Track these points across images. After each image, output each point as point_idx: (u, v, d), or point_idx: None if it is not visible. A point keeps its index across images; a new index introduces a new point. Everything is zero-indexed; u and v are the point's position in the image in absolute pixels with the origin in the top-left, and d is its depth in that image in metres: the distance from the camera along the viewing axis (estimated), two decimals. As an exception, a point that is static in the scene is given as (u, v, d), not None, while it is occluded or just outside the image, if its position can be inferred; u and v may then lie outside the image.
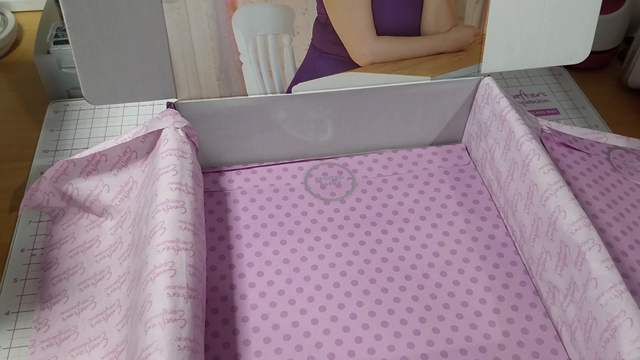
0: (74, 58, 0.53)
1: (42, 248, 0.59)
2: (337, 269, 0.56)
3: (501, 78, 0.83)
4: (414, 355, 0.50)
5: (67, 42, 0.71)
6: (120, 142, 0.56)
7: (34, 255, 0.59)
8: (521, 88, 0.82)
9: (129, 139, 0.55)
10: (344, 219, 0.60)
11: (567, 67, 0.85)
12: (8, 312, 0.54)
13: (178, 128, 0.55)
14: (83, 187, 0.57)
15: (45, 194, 0.56)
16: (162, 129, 0.55)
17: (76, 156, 0.56)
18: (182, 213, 0.48)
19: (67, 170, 0.56)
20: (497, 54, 0.62)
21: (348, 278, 0.55)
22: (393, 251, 0.57)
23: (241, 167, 0.64)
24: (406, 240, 0.58)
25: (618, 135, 0.68)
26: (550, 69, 0.85)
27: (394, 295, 0.54)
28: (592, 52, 0.83)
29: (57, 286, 0.54)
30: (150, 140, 0.56)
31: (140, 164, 0.57)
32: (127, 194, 0.56)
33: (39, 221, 0.62)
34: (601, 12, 0.80)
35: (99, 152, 0.56)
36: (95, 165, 0.57)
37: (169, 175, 0.51)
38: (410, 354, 0.50)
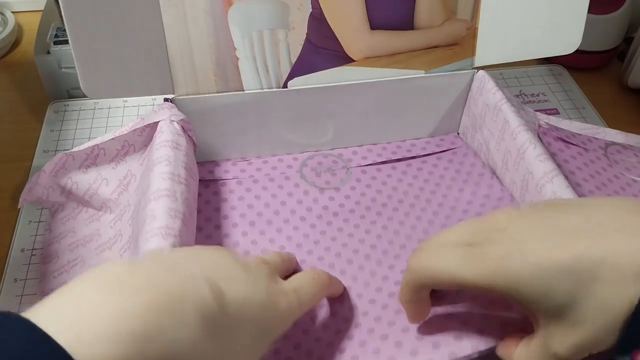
0: (72, 51, 0.53)
1: (43, 248, 0.59)
2: (332, 251, 0.56)
3: (501, 78, 0.83)
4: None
5: (67, 42, 0.71)
6: (118, 135, 0.56)
7: (34, 255, 0.59)
8: (521, 88, 0.82)
9: (127, 132, 0.56)
10: (339, 207, 0.60)
11: (567, 67, 0.86)
12: (8, 312, 0.54)
13: (174, 121, 0.55)
14: (82, 180, 0.57)
15: (45, 188, 0.56)
16: (159, 121, 0.55)
17: (75, 149, 0.56)
18: (173, 202, 0.48)
19: (66, 164, 0.56)
20: (490, 47, 0.62)
21: (343, 258, 0.55)
22: (387, 228, 0.58)
23: (238, 159, 0.64)
24: (396, 225, 0.58)
25: (616, 131, 0.68)
26: (550, 69, 0.85)
27: (384, 274, 0.54)
28: (592, 52, 0.84)
29: (58, 279, 0.54)
30: (147, 134, 0.56)
31: (139, 157, 0.57)
32: (125, 187, 0.56)
33: (39, 221, 0.62)
34: (601, 12, 0.81)
35: (97, 145, 0.56)
36: (94, 159, 0.57)
37: (161, 165, 0.51)
38: (404, 338, 0.49)
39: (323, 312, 0.51)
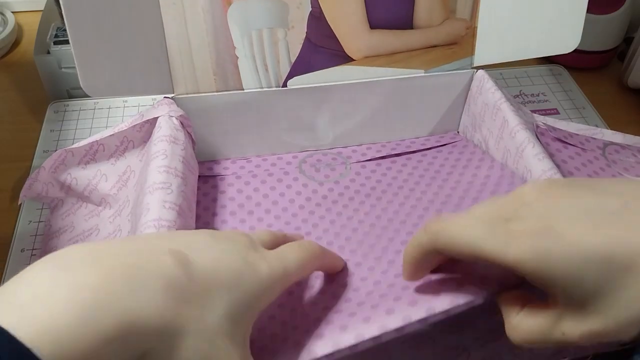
0: (72, 50, 0.53)
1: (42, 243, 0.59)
2: (330, 232, 0.55)
3: (501, 78, 0.83)
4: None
5: (67, 42, 0.71)
6: (117, 131, 0.56)
7: (34, 255, 0.59)
8: (521, 88, 0.82)
9: (126, 128, 0.56)
10: (338, 195, 0.59)
11: (567, 67, 0.86)
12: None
13: (172, 117, 0.55)
14: (81, 176, 0.57)
15: (45, 184, 0.57)
16: (157, 117, 0.55)
17: (74, 146, 0.56)
18: (168, 194, 0.48)
19: (66, 160, 0.56)
20: (489, 46, 0.62)
21: (341, 236, 0.55)
22: (387, 210, 0.57)
23: (238, 157, 0.64)
24: (396, 206, 0.58)
25: (614, 132, 0.68)
26: (550, 69, 0.85)
27: (383, 245, 0.53)
28: (592, 52, 0.84)
29: None
30: (146, 130, 0.56)
31: (138, 153, 0.57)
32: (124, 183, 0.56)
33: (39, 221, 0.62)
34: (601, 12, 0.81)
35: (97, 141, 0.56)
36: (93, 155, 0.57)
37: (158, 159, 0.51)
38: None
39: (319, 280, 0.50)
